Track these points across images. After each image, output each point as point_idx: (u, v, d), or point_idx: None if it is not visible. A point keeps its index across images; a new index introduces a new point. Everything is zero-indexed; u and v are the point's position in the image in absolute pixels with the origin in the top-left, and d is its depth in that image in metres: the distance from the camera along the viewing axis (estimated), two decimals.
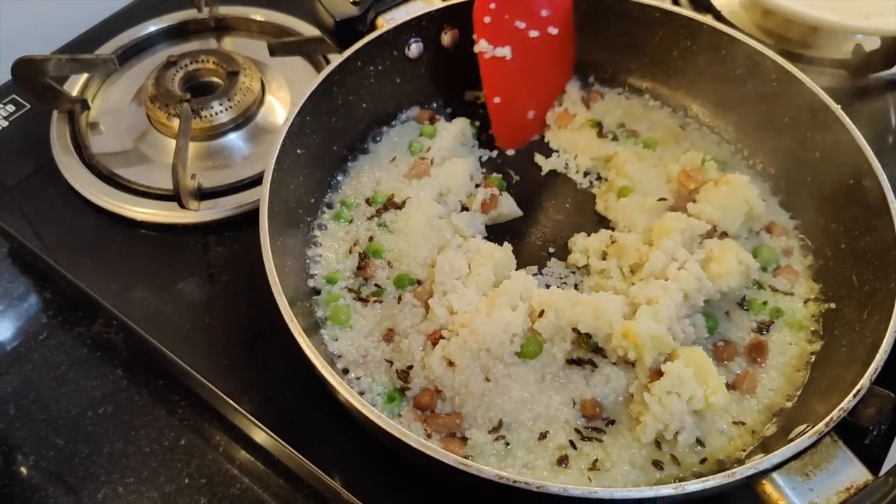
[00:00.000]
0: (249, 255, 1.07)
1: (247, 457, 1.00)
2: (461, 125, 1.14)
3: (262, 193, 0.88)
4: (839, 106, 0.98)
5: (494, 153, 1.16)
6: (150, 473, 0.97)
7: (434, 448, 0.70)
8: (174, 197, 1.05)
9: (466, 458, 0.77)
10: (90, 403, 1.03)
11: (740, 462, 0.79)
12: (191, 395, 1.03)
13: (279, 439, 0.91)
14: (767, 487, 0.72)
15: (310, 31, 1.36)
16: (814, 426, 0.72)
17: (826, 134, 0.99)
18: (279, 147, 0.92)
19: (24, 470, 0.98)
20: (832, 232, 0.98)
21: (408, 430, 0.72)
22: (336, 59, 1.02)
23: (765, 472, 0.71)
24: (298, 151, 0.98)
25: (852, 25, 1.22)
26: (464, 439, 0.85)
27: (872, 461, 0.75)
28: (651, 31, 1.13)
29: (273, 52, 1.24)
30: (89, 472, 0.97)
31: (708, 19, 1.11)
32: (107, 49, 1.32)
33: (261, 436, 0.95)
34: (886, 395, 0.97)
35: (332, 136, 1.05)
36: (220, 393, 0.95)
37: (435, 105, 1.17)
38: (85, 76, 1.29)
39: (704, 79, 1.13)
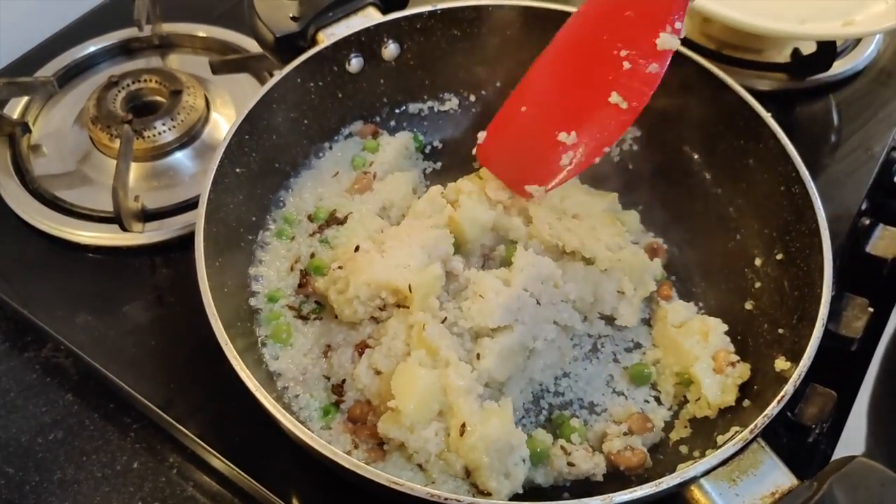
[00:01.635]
0: (196, 276, 1.08)
1: (201, 477, 0.99)
2: (404, 139, 1.15)
3: (198, 215, 0.89)
4: (769, 114, 1.00)
5: (438, 165, 1.17)
6: (103, 499, 0.97)
7: (351, 461, 0.72)
8: (116, 219, 1.05)
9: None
10: (40, 430, 1.02)
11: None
12: (143, 418, 1.02)
13: (228, 462, 0.92)
14: (696, 493, 0.74)
15: (254, 47, 1.35)
16: (740, 432, 0.74)
17: (758, 142, 1.01)
18: (215, 168, 0.93)
19: None
20: (767, 238, 1.00)
21: (333, 442, 0.73)
22: (273, 78, 1.02)
23: (693, 479, 0.73)
24: (238, 170, 0.98)
25: (788, 31, 1.24)
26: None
27: (802, 466, 0.77)
28: None
29: (215, 70, 1.24)
30: (41, 500, 0.96)
31: None
32: (47, 70, 1.31)
33: (212, 459, 0.96)
34: (828, 394, 1.00)
35: (272, 154, 1.05)
36: (168, 418, 0.95)
37: (378, 119, 1.17)
38: (25, 98, 1.27)
39: None
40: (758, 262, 0.99)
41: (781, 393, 0.77)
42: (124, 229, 1.06)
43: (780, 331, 0.90)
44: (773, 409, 0.76)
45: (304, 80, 1.06)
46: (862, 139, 1.30)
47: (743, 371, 0.90)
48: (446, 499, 0.68)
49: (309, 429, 0.75)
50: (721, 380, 0.90)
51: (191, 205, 1.14)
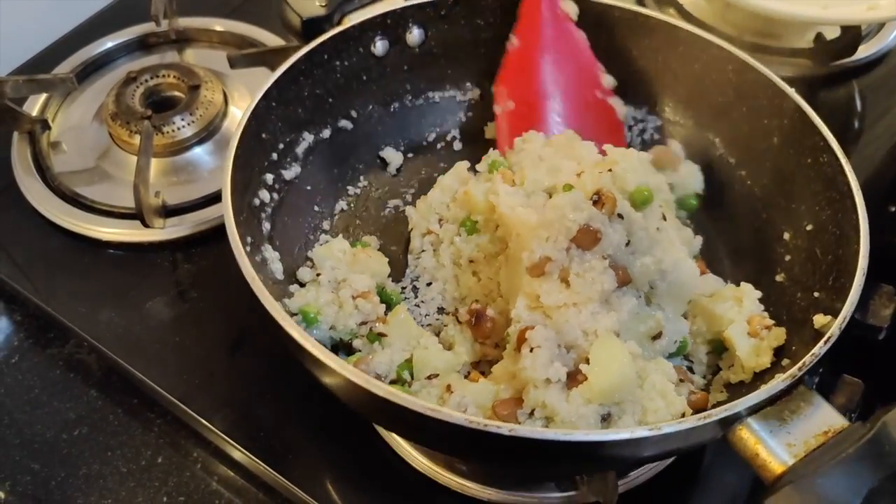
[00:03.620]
0: (218, 271, 1.09)
1: (225, 472, 0.99)
2: None
3: (225, 165, 0.87)
4: (793, 89, 1.00)
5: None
6: (128, 494, 0.97)
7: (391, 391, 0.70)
8: (138, 216, 1.05)
9: None
10: (65, 426, 1.03)
11: None
12: (166, 413, 1.03)
13: (253, 457, 0.92)
14: (744, 433, 0.71)
15: (271, 40, 1.35)
16: (788, 368, 0.72)
17: (783, 119, 1.00)
18: (244, 125, 0.92)
19: (1, 495, 0.98)
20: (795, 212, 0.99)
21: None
22: (302, 50, 1.02)
23: (740, 417, 0.71)
24: (263, 136, 0.97)
25: (811, 16, 1.23)
26: None
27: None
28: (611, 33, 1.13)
29: (233, 64, 1.23)
30: (66, 496, 0.97)
31: (656, 13, 1.12)
32: (65, 67, 1.31)
33: (236, 453, 0.96)
34: (856, 384, 0.99)
35: (296, 127, 1.04)
36: (192, 413, 0.95)
37: (398, 104, 1.16)
38: (45, 95, 1.28)
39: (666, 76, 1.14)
40: (787, 236, 0.98)
41: (828, 334, 0.75)
42: (146, 225, 1.06)
43: (816, 294, 0.88)
44: (820, 348, 0.74)
45: (330, 57, 1.05)
46: (887, 125, 1.28)
47: (778, 334, 0.88)
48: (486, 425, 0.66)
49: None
50: (756, 343, 0.88)
51: (211, 199, 1.14)
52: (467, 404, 0.81)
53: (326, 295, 0.92)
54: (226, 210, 0.85)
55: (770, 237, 1.00)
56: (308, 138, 1.05)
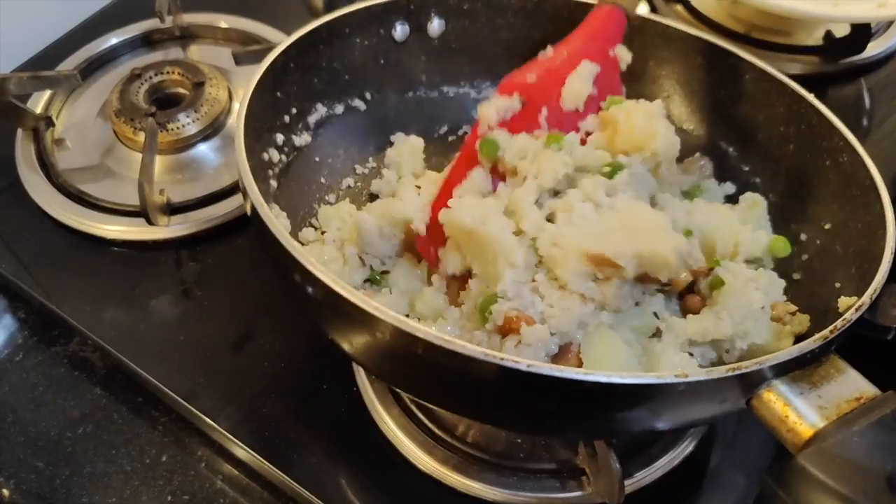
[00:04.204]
0: (223, 269, 1.09)
1: (230, 470, 0.99)
2: None
3: (239, 115, 0.86)
4: (812, 94, 0.98)
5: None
6: (132, 492, 0.97)
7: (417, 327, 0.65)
8: (142, 213, 1.04)
9: None
10: (69, 424, 1.02)
11: None
12: (171, 411, 1.02)
13: (258, 456, 0.91)
14: (771, 395, 0.68)
15: (277, 37, 1.35)
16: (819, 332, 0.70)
17: (800, 124, 0.99)
18: (260, 75, 0.91)
19: (5, 493, 0.98)
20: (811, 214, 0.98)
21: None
22: (324, 17, 1.01)
23: (766, 377, 0.68)
24: (278, 94, 0.96)
25: (821, 13, 1.21)
26: None
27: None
28: None
29: (239, 61, 1.23)
30: (70, 494, 0.97)
31: (665, 19, 1.10)
32: (69, 64, 1.31)
33: (241, 452, 0.95)
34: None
35: (310, 95, 1.03)
36: (197, 411, 0.95)
37: (412, 94, 1.14)
38: (48, 92, 1.27)
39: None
40: (804, 237, 0.97)
41: (860, 301, 0.74)
42: (150, 223, 1.05)
43: (837, 284, 0.87)
44: (851, 314, 0.72)
45: (351, 31, 1.04)
46: (895, 124, 1.28)
47: (802, 320, 0.86)
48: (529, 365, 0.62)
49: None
50: (777, 327, 0.86)
51: (216, 197, 1.14)
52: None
53: (331, 252, 0.92)
54: (238, 147, 0.82)
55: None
56: (321, 110, 1.04)
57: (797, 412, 0.67)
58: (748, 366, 0.66)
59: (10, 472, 0.98)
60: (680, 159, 1.11)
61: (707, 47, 1.06)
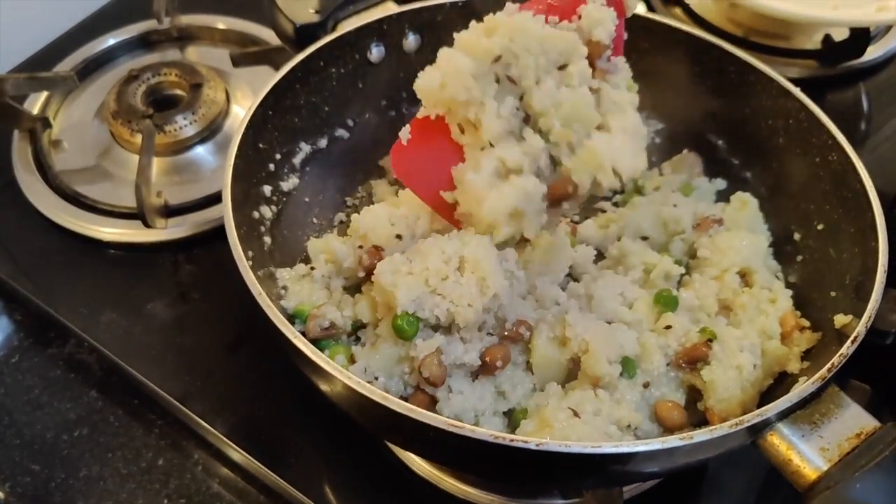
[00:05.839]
0: (220, 272, 1.08)
1: (226, 474, 0.99)
2: None
3: (225, 175, 0.87)
4: (798, 88, 0.99)
5: None
6: (129, 496, 0.96)
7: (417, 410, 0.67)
8: (139, 215, 1.04)
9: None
10: (65, 426, 1.02)
11: None
12: (167, 414, 1.02)
13: (254, 459, 0.91)
14: (775, 439, 0.70)
15: (274, 38, 1.33)
16: (817, 371, 0.71)
17: (788, 119, 0.99)
18: (241, 136, 0.90)
19: (1, 495, 0.97)
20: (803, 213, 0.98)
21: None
22: (297, 56, 1.01)
23: (770, 423, 0.70)
24: (260, 146, 0.96)
25: (820, 17, 1.22)
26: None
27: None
28: None
29: (236, 62, 1.23)
30: (66, 497, 0.96)
31: (653, 14, 1.10)
32: (67, 65, 1.30)
33: (237, 455, 0.95)
34: (864, 389, 0.98)
35: (293, 136, 1.03)
36: (193, 415, 0.94)
37: (395, 112, 1.15)
38: (45, 93, 1.27)
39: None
40: (797, 236, 0.97)
41: (855, 332, 0.74)
42: (147, 225, 1.05)
43: (833, 293, 0.87)
44: (847, 348, 0.73)
45: (326, 63, 1.04)
46: (894, 128, 1.27)
47: (810, 338, 0.87)
48: (512, 440, 0.64)
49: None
50: (783, 351, 0.86)
51: (213, 199, 1.13)
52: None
53: (318, 291, 0.91)
54: (228, 227, 0.84)
55: (780, 238, 1.00)
56: (305, 148, 1.04)
57: (801, 455, 0.70)
58: (750, 419, 0.68)
59: (6, 475, 0.98)
60: (669, 156, 1.12)
61: (689, 39, 1.06)
